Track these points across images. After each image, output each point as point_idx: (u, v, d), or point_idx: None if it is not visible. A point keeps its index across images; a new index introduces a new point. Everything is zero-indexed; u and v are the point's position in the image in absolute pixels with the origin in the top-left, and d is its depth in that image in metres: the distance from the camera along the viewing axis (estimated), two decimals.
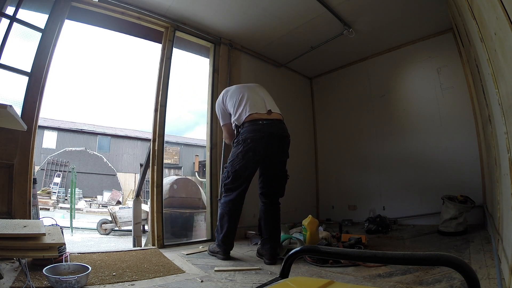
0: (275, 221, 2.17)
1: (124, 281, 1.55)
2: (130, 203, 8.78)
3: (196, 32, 3.09)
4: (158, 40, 2.93)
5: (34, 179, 2.11)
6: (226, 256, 2.10)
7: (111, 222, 5.44)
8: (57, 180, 13.09)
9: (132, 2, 2.60)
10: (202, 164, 15.24)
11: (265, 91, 2.36)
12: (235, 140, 2.17)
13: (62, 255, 1.65)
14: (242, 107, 2.16)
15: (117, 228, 5.39)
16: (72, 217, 5.85)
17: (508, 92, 0.92)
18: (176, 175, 14.55)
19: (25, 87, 2.08)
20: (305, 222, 2.41)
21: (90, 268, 1.50)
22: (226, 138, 2.41)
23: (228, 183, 2.14)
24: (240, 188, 2.13)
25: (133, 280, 1.57)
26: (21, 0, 2.12)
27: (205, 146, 3.27)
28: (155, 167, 2.65)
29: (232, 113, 2.24)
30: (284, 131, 2.19)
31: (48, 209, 9.24)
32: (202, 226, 3.58)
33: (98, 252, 2.16)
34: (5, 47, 2.00)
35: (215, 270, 1.79)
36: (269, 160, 2.13)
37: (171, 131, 21.59)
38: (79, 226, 6.04)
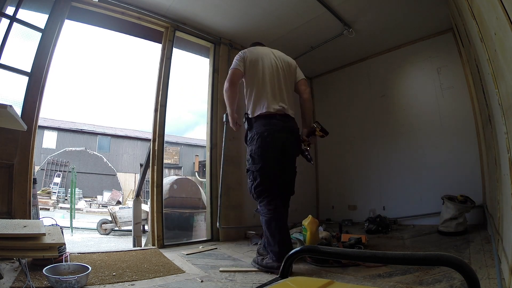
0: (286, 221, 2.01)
1: (124, 281, 1.55)
2: (130, 203, 8.77)
3: (196, 32, 3.09)
4: (158, 40, 2.93)
5: (34, 179, 2.11)
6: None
7: (111, 222, 5.44)
8: (57, 180, 13.09)
9: (132, 2, 2.60)
10: (202, 164, 15.25)
11: (285, 73, 2.12)
12: (250, 137, 2.01)
13: (62, 255, 1.65)
14: (260, 99, 1.99)
15: (117, 228, 5.39)
16: (72, 217, 5.85)
17: (508, 92, 0.92)
18: (176, 175, 14.55)
19: (25, 87, 2.09)
20: (305, 222, 2.40)
21: (90, 268, 1.50)
22: (227, 81, 2.04)
23: (258, 185, 1.90)
24: (274, 187, 1.92)
25: (133, 280, 1.57)
26: (21, 0, 2.12)
27: (205, 146, 3.27)
28: (155, 167, 2.65)
29: (247, 92, 2.07)
30: (295, 128, 2.10)
31: (48, 209, 9.24)
32: (202, 226, 3.58)
33: (98, 252, 2.16)
34: (5, 47, 2.00)
35: (220, 271, 1.78)
36: (285, 156, 2.00)
37: (171, 131, 21.63)
38: (79, 226, 6.04)
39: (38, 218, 2.10)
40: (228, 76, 2.05)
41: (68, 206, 8.29)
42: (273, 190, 1.93)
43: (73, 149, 15.09)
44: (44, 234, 1.48)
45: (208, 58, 3.32)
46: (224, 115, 3.10)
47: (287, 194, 2.09)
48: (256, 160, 1.93)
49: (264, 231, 1.91)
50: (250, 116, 2.04)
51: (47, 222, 1.84)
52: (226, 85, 2.04)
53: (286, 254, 1.81)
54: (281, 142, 1.96)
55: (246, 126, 2.07)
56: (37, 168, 11.56)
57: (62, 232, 1.70)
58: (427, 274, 1.50)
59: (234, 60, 2.09)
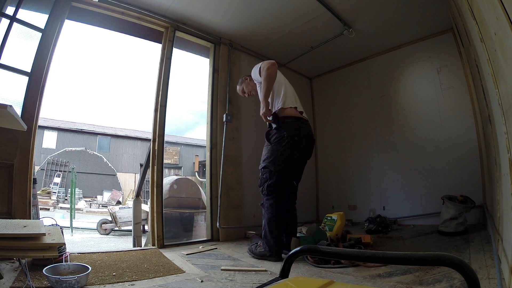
0: (296, 217, 2.31)
1: (124, 281, 1.55)
2: (130, 203, 8.77)
3: (196, 32, 3.09)
4: (158, 40, 2.93)
5: (34, 179, 2.11)
6: (280, 258, 2.03)
7: (111, 222, 5.44)
8: (57, 180, 13.10)
9: (132, 2, 2.60)
10: (202, 164, 15.26)
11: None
12: (276, 137, 2.07)
13: (62, 255, 1.65)
14: (288, 97, 2.14)
15: (117, 228, 5.39)
16: (72, 217, 5.85)
17: (508, 92, 0.92)
18: (176, 175, 14.55)
19: (25, 87, 2.08)
20: (335, 214, 2.43)
21: (90, 268, 1.50)
22: (269, 62, 2.10)
23: (273, 184, 2.02)
24: (285, 189, 2.09)
25: (133, 280, 1.57)
26: (21, 0, 2.12)
27: (205, 146, 3.27)
28: (155, 167, 2.65)
29: (275, 91, 2.17)
30: (313, 133, 2.27)
31: (48, 209, 9.24)
32: (202, 226, 3.59)
33: (98, 252, 2.16)
34: (5, 47, 2.00)
35: (222, 269, 1.79)
36: (304, 159, 2.20)
37: (171, 131, 21.66)
38: (79, 226, 6.04)
39: (38, 218, 2.10)
40: (264, 62, 2.13)
41: (68, 206, 8.29)
42: (283, 191, 2.08)
43: (73, 149, 15.09)
44: (44, 234, 1.48)
45: (208, 58, 3.32)
46: (224, 115, 3.10)
47: (295, 191, 2.29)
48: (278, 161, 2.03)
49: (263, 224, 2.07)
50: (279, 115, 2.11)
51: (47, 222, 1.84)
52: (266, 64, 2.07)
53: (277, 247, 1.94)
54: (304, 148, 2.11)
55: (273, 125, 2.11)
56: (37, 168, 11.56)
57: (62, 232, 1.70)
58: (427, 274, 1.50)
59: (256, 68, 2.22)
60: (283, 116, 2.07)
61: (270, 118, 2.08)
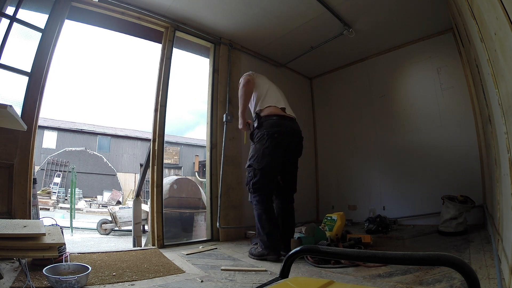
0: (293, 218, 2.27)
1: (124, 281, 1.55)
2: (130, 203, 8.77)
3: (196, 32, 3.09)
4: (158, 40, 2.93)
5: (34, 179, 2.11)
6: (278, 255, 2.00)
7: (111, 222, 5.44)
8: (57, 180, 13.10)
9: (132, 2, 2.60)
10: (202, 164, 15.26)
11: (281, 91, 2.45)
12: (258, 135, 2.13)
13: (62, 255, 1.65)
14: (268, 96, 2.22)
15: (117, 228, 5.39)
16: (72, 217, 5.85)
17: (508, 92, 0.92)
18: (176, 175, 14.55)
19: (25, 87, 2.08)
20: (335, 214, 2.42)
21: (90, 268, 1.50)
22: (244, 78, 2.26)
23: (257, 182, 2.08)
24: (270, 186, 2.11)
25: (133, 280, 1.57)
26: (21, 0, 2.12)
27: (205, 146, 3.27)
28: (155, 167, 2.65)
29: (256, 95, 2.26)
30: (299, 129, 2.28)
31: (48, 209, 9.24)
32: (202, 226, 3.59)
33: (98, 252, 2.16)
34: (5, 47, 2.00)
35: (222, 269, 1.79)
36: (289, 157, 2.20)
37: (171, 131, 21.68)
38: (79, 226, 6.04)
39: (38, 218, 2.10)
40: (243, 76, 2.29)
41: (68, 206, 8.29)
42: (269, 188, 2.10)
43: (73, 149, 15.10)
44: (44, 234, 1.48)
45: (208, 58, 3.32)
46: (224, 115, 3.10)
47: (290, 191, 2.28)
48: (260, 159, 2.07)
49: (256, 222, 2.11)
50: (261, 114, 2.17)
51: (47, 222, 1.84)
52: (243, 81, 2.24)
53: (273, 243, 1.94)
54: (287, 144, 2.12)
55: (255, 124, 2.19)
56: (37, 168, 11.56)
57: (62, 232, 1.70)
58: (427, 274, 1.50)
59: (243, 75, 2.33)
60: (264, 115, 2.15)
61: (251, 126, 2.24)
